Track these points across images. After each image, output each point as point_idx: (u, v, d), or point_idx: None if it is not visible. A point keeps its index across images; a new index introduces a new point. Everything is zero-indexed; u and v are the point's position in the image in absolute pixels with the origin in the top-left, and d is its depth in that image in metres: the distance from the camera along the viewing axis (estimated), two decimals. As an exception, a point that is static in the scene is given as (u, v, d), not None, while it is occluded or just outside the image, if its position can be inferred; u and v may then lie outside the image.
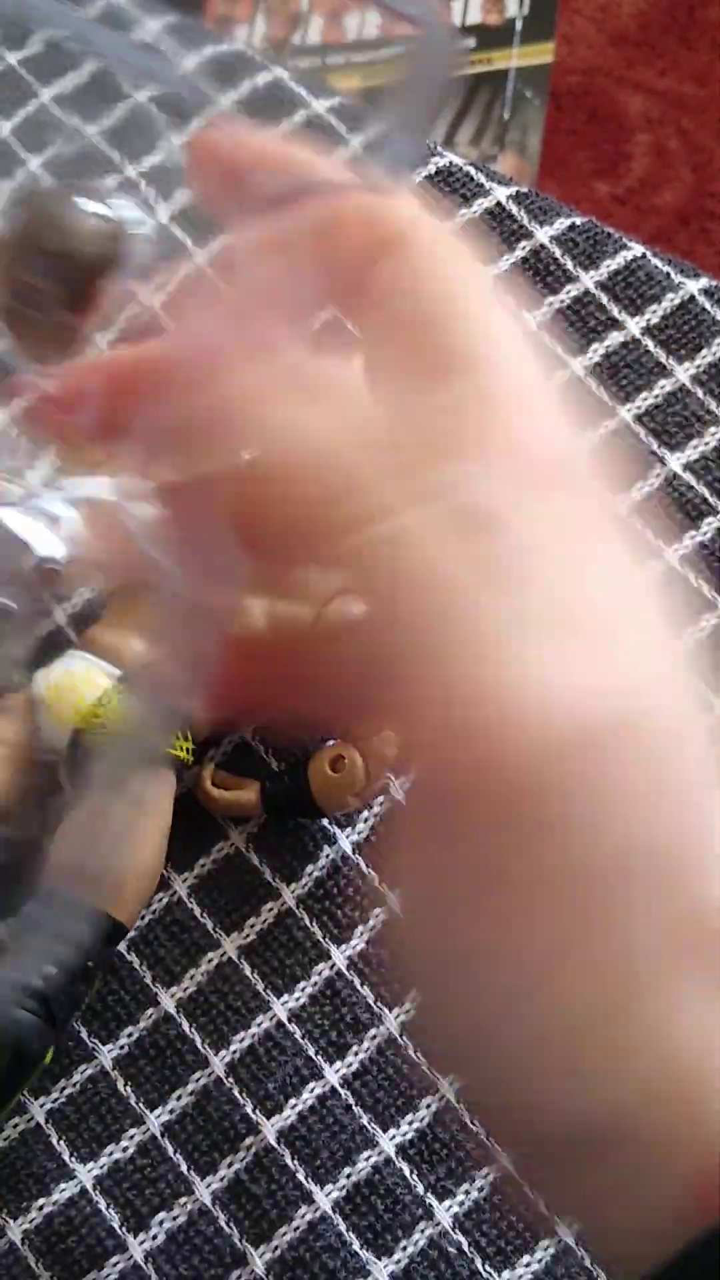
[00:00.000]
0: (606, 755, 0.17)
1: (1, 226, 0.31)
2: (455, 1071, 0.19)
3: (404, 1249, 0.34)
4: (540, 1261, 0.34)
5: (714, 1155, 0.16)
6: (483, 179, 0.44)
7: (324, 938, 0.37)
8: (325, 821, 0.38)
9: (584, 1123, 0.17)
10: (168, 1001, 0.36)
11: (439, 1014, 0.19)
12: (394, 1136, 0.35)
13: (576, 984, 0.17)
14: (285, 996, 0.36)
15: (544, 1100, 0.18)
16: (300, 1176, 0.35)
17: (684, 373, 0.41)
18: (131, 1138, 0.36)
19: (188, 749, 0.36)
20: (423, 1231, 0.34)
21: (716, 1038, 0.16)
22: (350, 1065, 0.36)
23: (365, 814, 0.38)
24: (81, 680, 0.35)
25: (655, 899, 0.17)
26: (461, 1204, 0.34)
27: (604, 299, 0.42)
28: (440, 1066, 0.26)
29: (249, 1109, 0.35)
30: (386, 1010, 0.36)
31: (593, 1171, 0.17)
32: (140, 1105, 0.36)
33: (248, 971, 0.37)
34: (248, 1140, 0.35)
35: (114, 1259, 0.35)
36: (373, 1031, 0.36)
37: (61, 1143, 0.35)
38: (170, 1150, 0.35)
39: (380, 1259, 0.34)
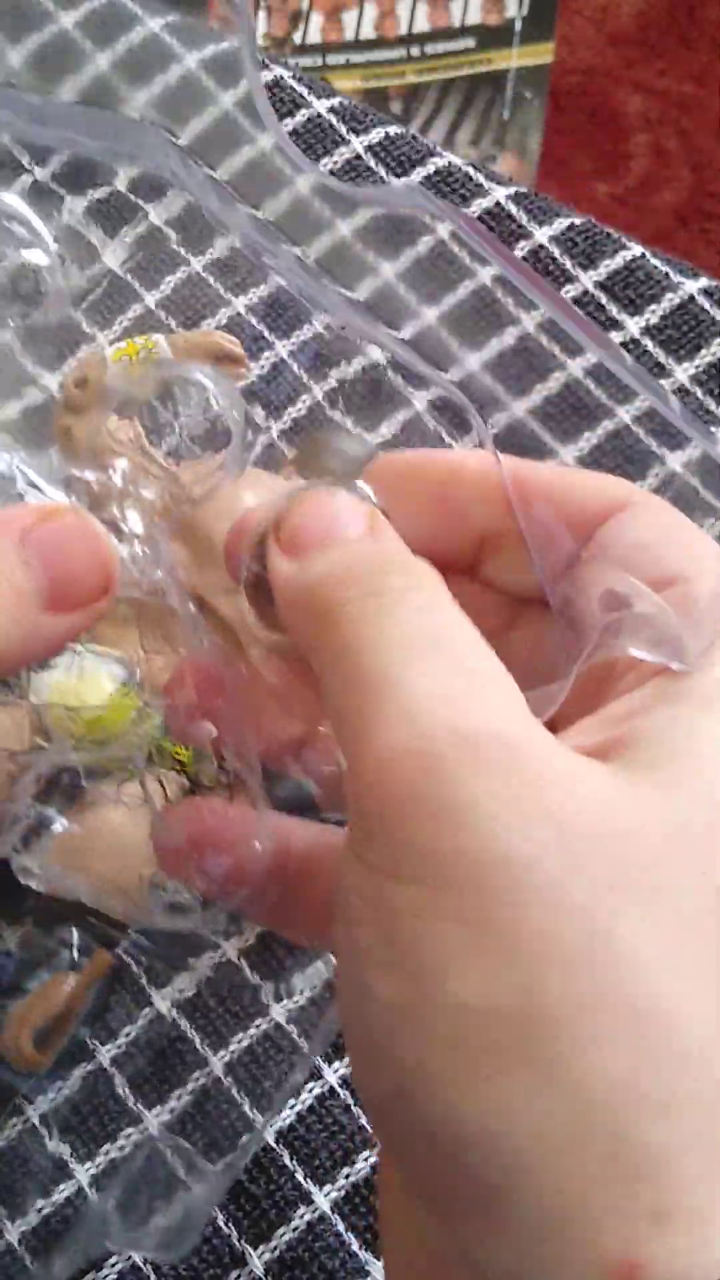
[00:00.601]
0: None
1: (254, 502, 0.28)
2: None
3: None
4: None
5: None
6: (482, 179, 0.44)
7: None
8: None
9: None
10: (165, 1003, 0.36)
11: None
12: (393, 1137, 0.35)
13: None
14: (285, 1001, 0.36)
15: None
16: (299, 1177, 0.35)
17: (683, 373, 0.41)
18: (129, 1137, 0.36)
19: (188, 750, 0.36)
20: (421, 1232, 0.34)
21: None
22: (350, 1066, 0.36)
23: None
24: (87, 681, 0.35)
25: None
26: (460, 1204, 0.35)
27: (603, 299, 0.42)
28: None
29: (247, 1108, 0.35)
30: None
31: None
32: (138, 1105, 0.36)
33: (248, 973, 0.37)
34: (246, 1140, 0.35)
35: (113, 1259, 0.35)
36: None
37: (60, 1143, 0.35)
38: (170, 1154, 0.35)
39: (380, 1259, 0.34)
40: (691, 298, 0.42)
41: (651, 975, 0.18)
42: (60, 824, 0.33)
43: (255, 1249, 0.34)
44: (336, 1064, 0.36)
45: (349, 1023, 0.20)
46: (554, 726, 0.21)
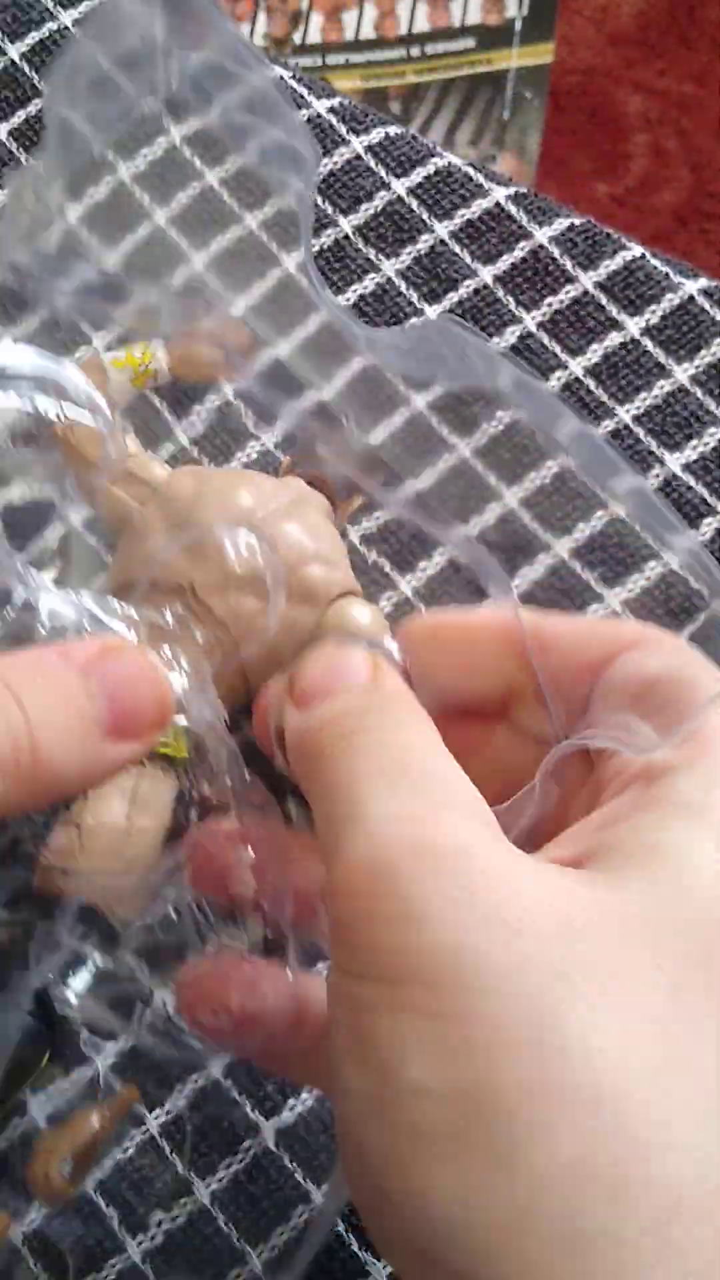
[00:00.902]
0: None
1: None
2: None
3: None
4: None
5: None
6: (482, 179, 0.44)
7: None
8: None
9: None
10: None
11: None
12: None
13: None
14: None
15: None
16: (299, 1177, 0.35)
17: (683, 373, 0.41)
18: (131, 1139, 0.36)
19: (186, 747, 0.36)
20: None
21: None
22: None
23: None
24: (60, 601, 0.35)
25: None
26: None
27: (603, 299, 0.42)
28: None
29: (248, 1109, 0.35)
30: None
31: None
32: (139, 1107, 0.36)
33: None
34: (246, 1142, 0.35)
35: (112, 1260, 0.35)
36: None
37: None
38: (169, 1152, 0.35)
39: (380, 1259, 0.34)
40: (691, 298, 0.42)
41: (599, 1062, 0.19)
42: (97, 960, 0.34)
43: (254, 1248, 0.34)
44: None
45: (338, 1122, 0.21)
46: (544, 839, 0.23)
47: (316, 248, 0.44)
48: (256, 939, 0.29)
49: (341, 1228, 0.34)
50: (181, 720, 0.27)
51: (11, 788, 0.23)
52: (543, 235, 0.43)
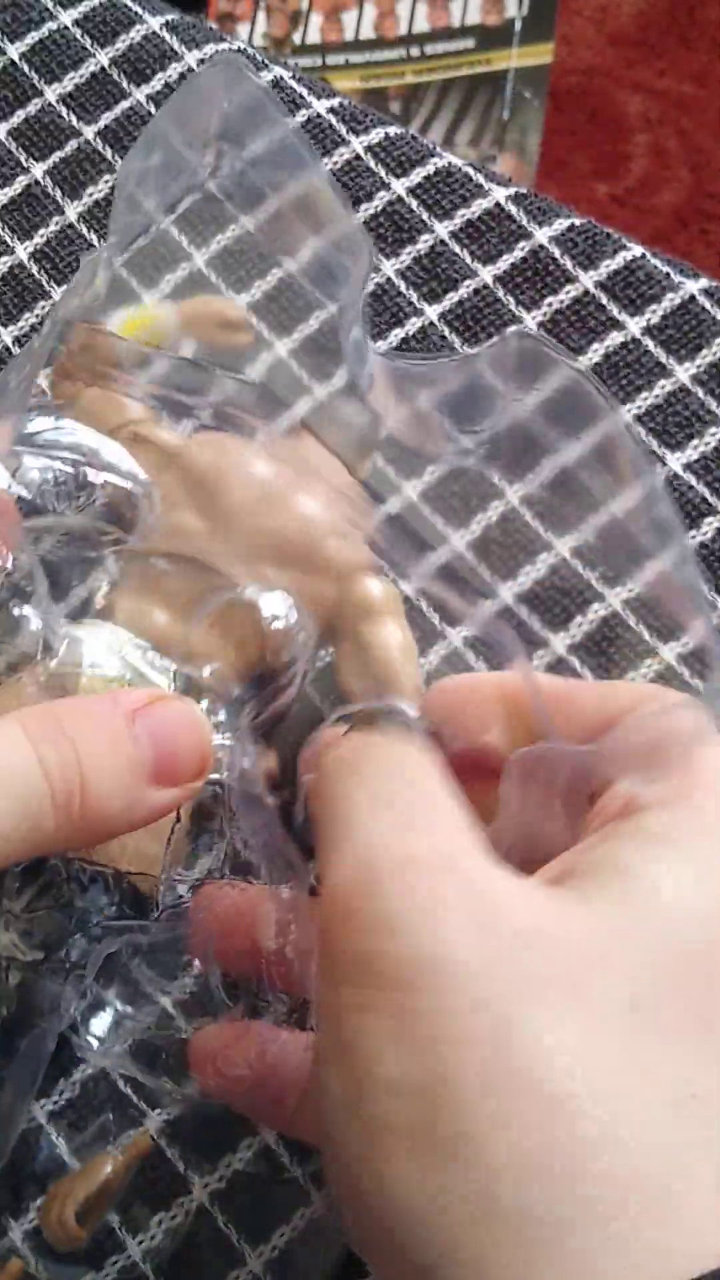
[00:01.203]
0: None
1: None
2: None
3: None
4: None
5: None
6: (482, 179, 0.44)
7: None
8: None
9: None
10: (165, 1002, 0.36)
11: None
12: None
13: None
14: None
15: None
16: (298, 1176, 0.35)
17: (684, 373, 0.41)
18: (130, 1138, 0.36)
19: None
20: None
21: None
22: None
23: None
24: (103, 653, 0.35)
25: None
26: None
27: (603, 299, 0.42)
28: None
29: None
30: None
31: None
32: (141, 1103, 0.36)
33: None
34: (246, 1140, 0.35)
35: (112, 1258, 0.35)
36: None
37: (61, 1142, 0.36)
38: (169, 1150, 0.35)
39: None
40: (692, 297, 0.42)
41: (557, 1061, 0.19)
42: (118, 1008, 0.34)
43: (254, 1249, 0.34)
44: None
45: (322, 1125, 0.22)
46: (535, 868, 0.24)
47: (316, 248, 0.44)
48: (282, 1012, 0.30)
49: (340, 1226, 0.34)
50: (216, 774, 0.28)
51: (62, 825, 0.24)
52: (543, 235, 0.43)
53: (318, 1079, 0.22)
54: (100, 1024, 0.34)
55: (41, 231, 0.45)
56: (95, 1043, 0.34)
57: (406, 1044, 0.20)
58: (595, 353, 0.42)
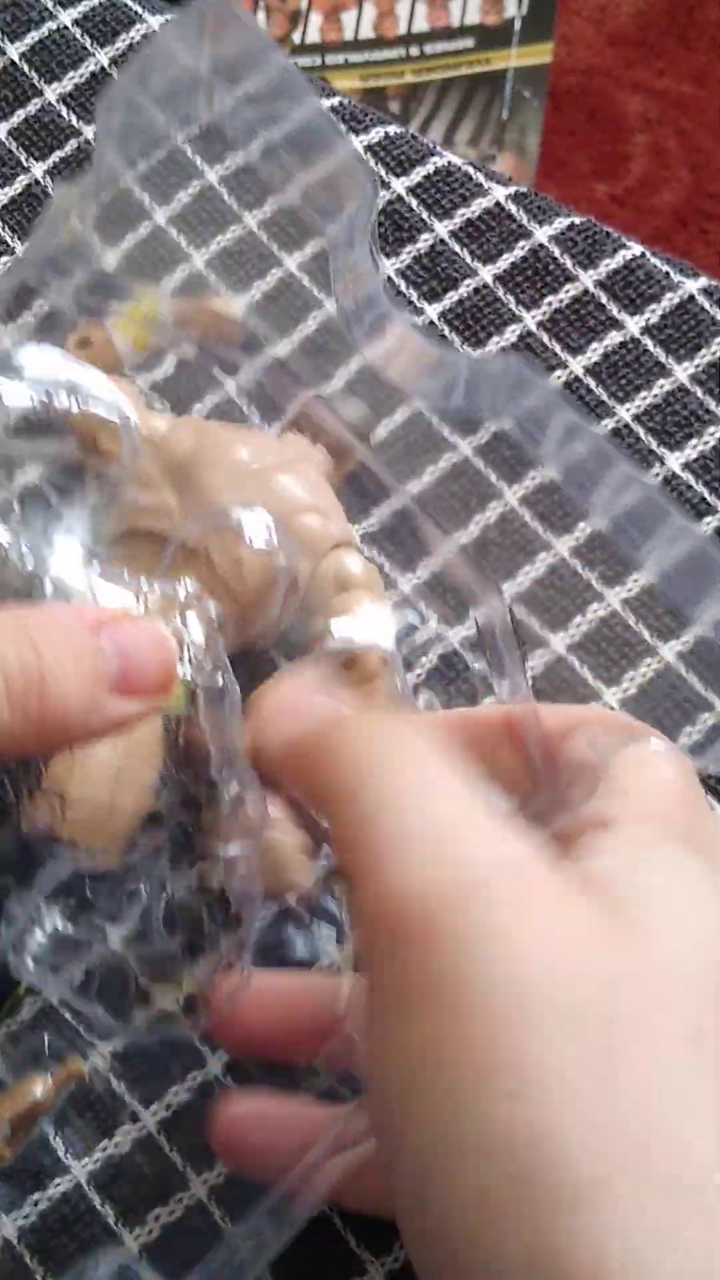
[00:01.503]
0: None
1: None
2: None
3: (400, 1248, 0.34)
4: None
5: None
6: (481, 179, 0.44)
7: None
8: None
9: None
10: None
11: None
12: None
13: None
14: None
15: None
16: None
17: (683, 372, 0.42)
18: (126, 1134, 0.36)
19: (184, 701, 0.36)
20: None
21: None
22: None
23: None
24: (75, 567, 0.35)
25: None
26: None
27: (603, 298, 0.43)
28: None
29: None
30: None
31: None
32: (135, 1102, 0.36)
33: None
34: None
35: (111, 1258, 0.35)
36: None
37: (56, 1139, 0.36)
38: (166, 1146, 0.35)
39: (379, 1257, 0.34)
40: (692, 297, 0.42)
41: (655, 1107, 0.19)
42: (58, 924, 0.34)
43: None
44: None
45: (386, 1155, 0.21)
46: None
47: (315, 250, 0.44)
48: (323, 1087, 0.31)
49: (340, 1225, 0.34)
50: (185, 674, 0.28)
51: (18, 721, 0.24)
52: (543, 234, 0.43)
53: (388, 1142, 0.21)
54: (36, 943, 0.34)
55: (41, 230, 0.45)
56: (32, 963, 0.34)
57: (497, 1090, 0.19)
58: (594, 352, 0.42)
